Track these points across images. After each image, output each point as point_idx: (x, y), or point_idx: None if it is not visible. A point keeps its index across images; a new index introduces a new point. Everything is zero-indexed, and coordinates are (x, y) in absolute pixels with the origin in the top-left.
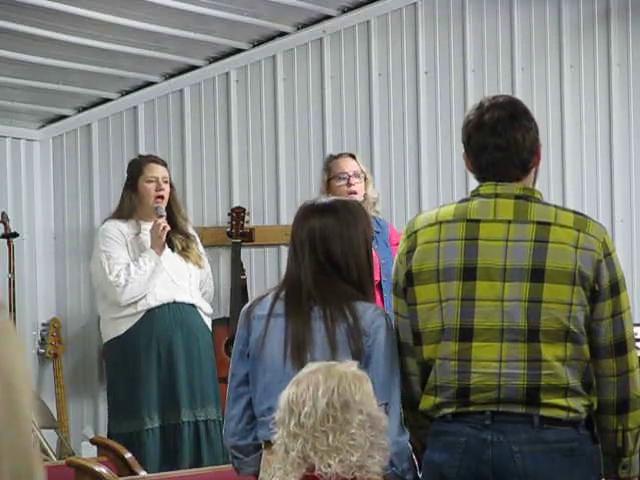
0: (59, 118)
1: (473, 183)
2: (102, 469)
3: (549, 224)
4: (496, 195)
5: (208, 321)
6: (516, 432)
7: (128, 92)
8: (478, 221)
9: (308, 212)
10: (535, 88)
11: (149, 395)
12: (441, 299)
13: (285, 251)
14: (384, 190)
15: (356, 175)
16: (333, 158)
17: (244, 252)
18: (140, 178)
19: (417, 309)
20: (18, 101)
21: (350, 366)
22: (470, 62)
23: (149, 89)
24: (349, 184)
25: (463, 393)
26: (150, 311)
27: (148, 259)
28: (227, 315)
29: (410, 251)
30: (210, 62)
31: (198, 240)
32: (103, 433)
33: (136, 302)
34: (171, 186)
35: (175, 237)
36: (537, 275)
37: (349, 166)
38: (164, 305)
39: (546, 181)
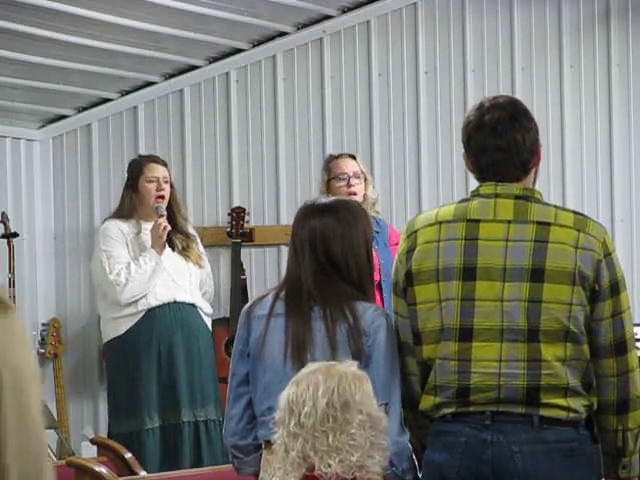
0: (59, 118)
1: (473, 183)
2: (102, 469)
3: (549, 224)
4: (496, 195)
5: (208, 321)
6: (516, 432)
7: (128, 92)
8: (478, 221)
9: (309, 212)
10: (535, 88)
11: (149, 395)
12: (440, 299)
13: (285, 251)
14: (384, 190)
15: (356, 176)
16: (333, 158)
17: (244, 252)
18: (141, 178)
19: (417, 309)
20: (18, 101)
21: (350, 366)
22: (470, 62)
23: (149, 89)
24: (349, 185)
25: (463, 393)
26: (150, 311)
27: (149, 258)
28: (227, 315)
29: (410, 251)
30: (210, 62)
31: (198, 240)
32: (103, 433)
33: (136, 301)
34: (171, 186)
35: (175, 237)
36: (537, 275)
37: (349, 167)
38: (164, 305)
39: (546, 181)
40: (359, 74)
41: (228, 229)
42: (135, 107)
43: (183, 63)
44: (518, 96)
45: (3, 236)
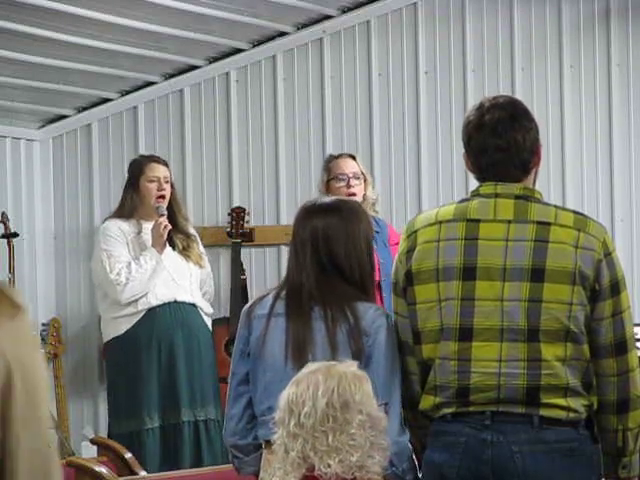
0: (59, 118)
1: (473, 183)
2: (102, 469)
3: (549, 224)
4: (496, 195)
5: (208, 321)
6: (516, 432)
7: (128, 92)
8: (478, 221)
9: (310, 212)
10: (535, 88)
11: (149, 395)
12: (440, 299)
13: (285, 251)
14: (384, 190)
15: (355, 176)
16: (333, 158)
17: (244, 252)
18: (141, 178)
19: (417, 308)
20: (18, 101)
21: (350, 366)
22: (470, 62)
23: (149, 89)
24: (348, 185)
25: (463, 393)
26: (151, 310)
27: (149, 257)
28: (227, 315)
29: (410, 251)
30: (210, 62)
31: (199, 240)
32: (103, 433)
33: (137, 301)
34: (172, 186)
35: (176, 236)
36: (537, 275)
37: (349, 167)
38: (165, 304)
39: (546, 181)
40: (359, 74)
41: (228, 229)
42: (135, 107)
43: (183, 63)
44: (518, 96)
45: (3, 236)
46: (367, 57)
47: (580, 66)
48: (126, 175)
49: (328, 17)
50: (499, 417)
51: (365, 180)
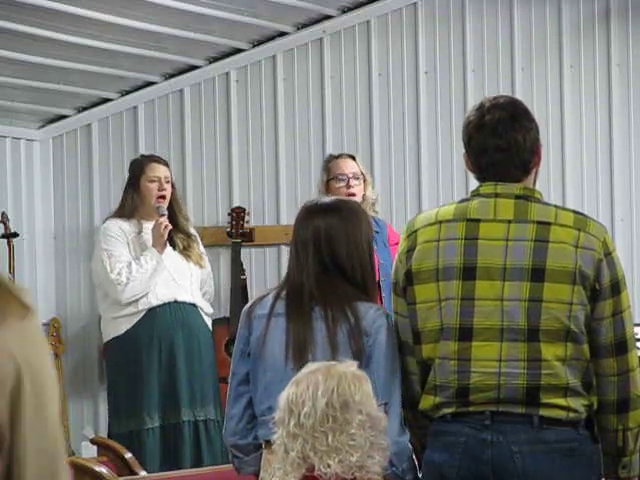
0: (59, 118)
1: (473, 183)
2: (102, 469)
3: (549, 224)
4: (496, 195)
5: (208, 321)
6: (516, 432)
7: (128, 92)
8: (478, 221)
9: (312, 212)
10: (535, 88)
11: (149, 395)
12: (440, 298)
13: (285, 251)
14: (384, 190)
15: (355, 177)
16: (333, 158)
17: (244, 252)
18: (142, 177)
19: (416, 308)
20: (18, 101)
21: (350, 366)
22: (470, 62)
23: (149, 89)
24: (348, 186)
25: (463, 393)
26: (151, 310)
27: (150, 257)
28: (227, 315)
29: (410, 250)
30: (210, 62)
31: (199, 240)
32: (103, 433)
33: (137, 301)
34: (172, 186)
35: (176, 236)
36: (537, 274)
37: (348, 167)
38: (165, 304)
39: (546, 181)
40: (359, 74)
41: (228, 229)
42: (135, 107)
43: (183, 63)
44: (518, 96)
45: (3, 236)
46: (367, 57)
47: (580, 66)
48: (126, 175)
49: (328, 17)
50: (499, 417)
51: (365, 180)
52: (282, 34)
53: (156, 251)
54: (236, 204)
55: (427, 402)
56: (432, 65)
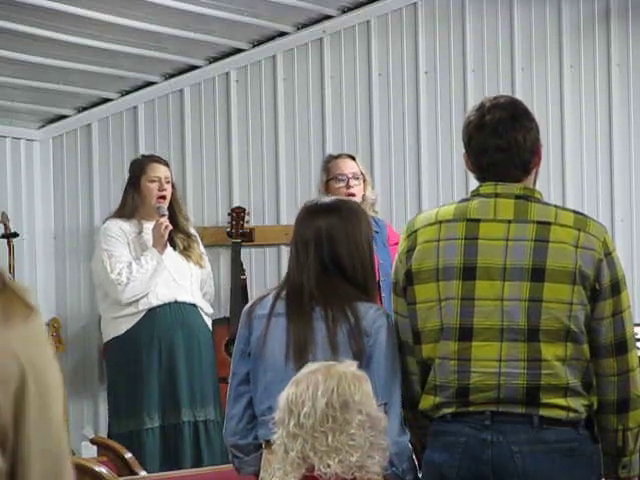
0: (59, 118)
1: (473, 183)
2: (102, 469)
3: (549, 224)
4: (496, 195)
5: (209, 321)
6: (516, 432)
7: (128, 92)
8: (478, 220)
9: (312, 212)
10: (535, 88)
11: (149, 395)
12: (440, 298)
13: (285, 251)
14: (384, 190)
15: (355, 177)
16: (332, 158)
17: (244, 252)
18: (143, 178)
19: (417, 308)
20: (18, 101)
21: (349, 366)
22: (470, 62)
23: (149, 89)
24: (348, 186)
25: (463, 393)
26: (151, 310)
27: (150, 258)
28: (227, 315)
29: (410, 250)
30: (210, 62)
31: (199, 240)
32: (103, 433)
33: (137, 301)
34: (173, 186)
35: (177, 236)
36: (537, 274)
37: (348, 167)
38: (165, 305)
39: (546, 181)
40: (359, 74)
41: (228, 229)
42: (135, 107)
43: (183, 63)
44: (518, 96)
45: (3, 236)
46: (367, 57)
47: (580, 66)
48: (126, 175)
49: (328, 17)
50: (499, 417)
51: (364, 180)
52: (282, 34)
53: (156, 251)
54: (236, 204)
55: (427, 402)
56: (432, 65)
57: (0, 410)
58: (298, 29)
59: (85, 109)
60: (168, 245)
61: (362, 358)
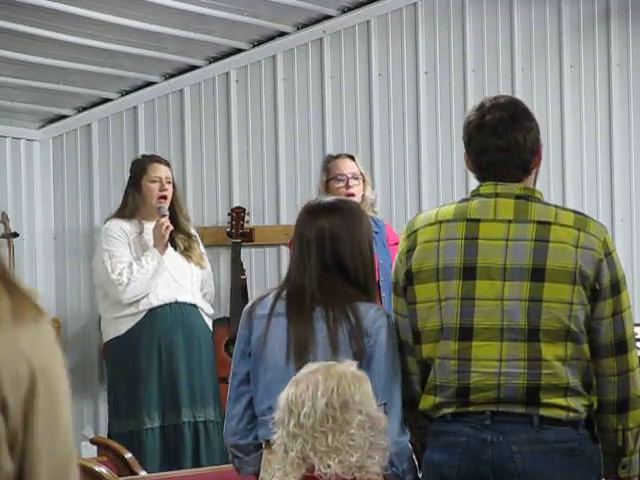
0: (59, 118)
1: (473, 183)
2: (102, 469)
3: (549, 223)
4: (496, 195)
5: (209, 321)
6: (516, 432)
7: (128, 92)
8: (478, 220)
9: (315, 212)
10: (535, 88)
11: (149, 395)
12: (440, 298)
13: (285, 251)
14: (384, 190)
15: (354, 177)
16: (332, 159)
17: (244, 252)
18: (144, 178)
19: (417, 308)
20: (18, 101)
21: (349, 366)
22: (470, 62)
23: (149, 89)
24: (347, 186)
25: (463, 393)
26: (152, 310)
27: (150, 258)
28: (227, 315)
29: (410, 250)
30: (210, 62)
31: (200, 240)
32: (103, 433)
33: (138, 301)
34: (174, 186)
35: (177, 237)
36: (537, 274)
37: (347, 168)
38: (166, 305)
39: (546, 181)
40: (359, 74)
41: (228, 229)
42: (135, 107)
43: (183, 63)
44: (518, 96)
45: (3, 236)
46: (367, 57)
47: (580, 66)
48: (126, 175)
49: (328, 17)
50: (499, 417)
51: (364, 180)
52: (282, 34)
53: (157, 251)
54: (236, 204)
55: (427, 402)
56: (432, 65)
57: (10, 413)
58: (298, 29)
59: (85, 109)
60: (169, 245)
61: (362, 358)
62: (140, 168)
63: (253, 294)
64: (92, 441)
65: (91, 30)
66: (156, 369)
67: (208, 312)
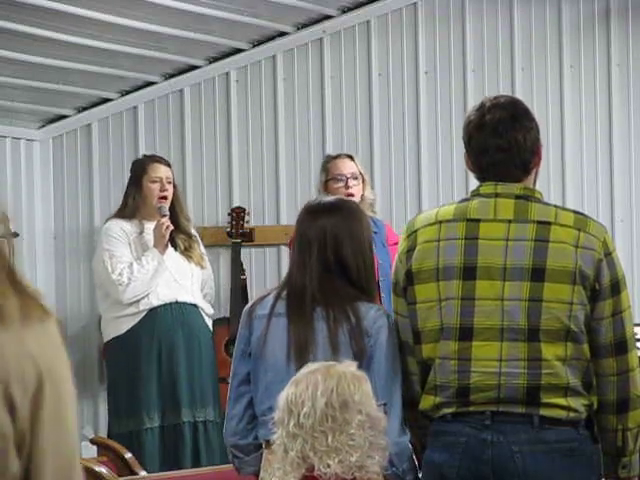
0: (59, 118)
1: (473, 183)
2: (102, 469)
3: (549, 223)
4: (496, 195)
5: (209, 322)
6: (516, 432)
7: (128, 92)
8: (478, 220)
9: (316, 212)
10: (535, 88)
11: (149, 395)
12: (440, 298)
13: (285, 251)
14: (384, 190)
15: (354, 177)
16: (331, 159)
17: (244, 252)
18: (144, 178)
19: (417, 308)
20: (18, 101)
21: (349, 366)
22: (470, 62)
23: (149, 89)
24: (347, 186)
25: (463, 393)
26: (152, 310)
27: (151, 258)
28: (227, 315)
29: (410, 250)
30: (210, 62)
31: (200, 240)
32: (103, 433)
33: (138, 301)
34: (174, 186)
35: (178, 237)
36: (537, 274)
37: (347, 168)
38: (166, 305)
39: (546, 181)
40: (359, 74)
41: (228, 229)
42: (135, 107)
43: (183, 63)
44: (518, 96)
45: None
46: (367, 57)
47: (580, 66)
48: (126, 175)
49: (328, 17)
50: (499, 417)
51: (363, 180)
52: (282, 34)
53: (157, 251)
54: (236, 204)
55: (427, 402)
56: (432, 65)
57: (18, 414)
58: (298, 29)
59: (85, 109)
60: (169, 245)
61: (363, 358)
62: (141, 168)
63: (253, 294)
64: (92, 441)
65: (91, 30)
66: (156, 369)
67: (208, 312)
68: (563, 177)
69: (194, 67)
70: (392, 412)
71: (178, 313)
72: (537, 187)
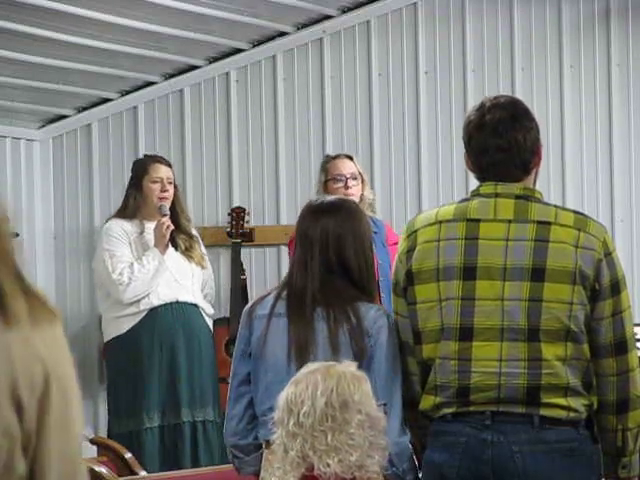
0: (59, 118)
1: (473, 183)
2: (102, 469)
3: (549, 223)
4: (496, 195)
5: (210, 322)
6: (516, 432)
7: (128, 92)
8: (478, 220)
9: (317, 212)
10: (535, 88)
11: (149, 395)
12: (441, 298)
13: (285, 251)
14: (384, 190)
15: (353, 177)
16: (330, 159)
17: (244, 252)
18: (145, 178)
19: (417, 308)
20: (18, 101)
21: (349, 366)
22: (470, 62)
23: (149, 89)
24: (346, 186)
25: (463, 393)
26: (152, 310)
27: (151, 258)
28: (227, 315)
29: (410, 250)
30: (210, 62)
31: (200, 241)
32: (103, 433)
33: (139, 301)
34: (175, 187)
35: (178, 237)
36: (537, 274)
37: (346, 168)
38: (167, 304)
39: (546, 181)
40: (359, 74)
41: (228, 229)
42: (135, 107)
43: (183, 63)
44: (518, 96)
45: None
46: (367, 57)
47: (580, 66)
48: (126, 175)
49: (328, 17)
50: (499, 417)
51: (362, 180)
52: (282, 34)
53: (158, 251)
54: (236, 204)
55: (427, 402)
56: (432, 65)
57: (26, 416)
58: (298, 29)
59: (85, 109)
60: (170, 245)
61: (363, 358)
62: (142, 168)
63: (253, 294)
64: (92, 441)
65: (91, 30)
66: (156, 369)
67: (209, 312)
68: (563, 177)
69: (194, 67)
70: (392, 412)
71: (178, 313)
72: (537, 187)
